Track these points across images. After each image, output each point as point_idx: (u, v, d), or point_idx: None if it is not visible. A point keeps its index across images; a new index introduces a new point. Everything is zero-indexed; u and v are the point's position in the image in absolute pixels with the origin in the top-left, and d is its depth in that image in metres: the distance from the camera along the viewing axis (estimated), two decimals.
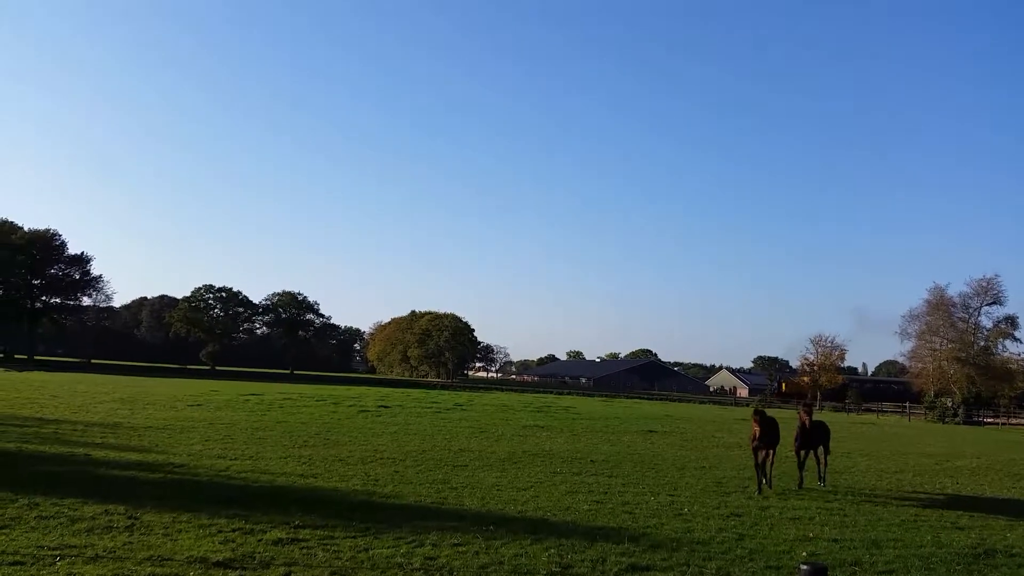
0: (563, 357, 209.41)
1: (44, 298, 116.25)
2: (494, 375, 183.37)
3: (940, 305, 76.48)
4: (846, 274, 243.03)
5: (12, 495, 11.15)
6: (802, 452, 17.12)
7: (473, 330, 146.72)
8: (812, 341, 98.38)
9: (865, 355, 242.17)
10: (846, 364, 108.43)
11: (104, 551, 8.60)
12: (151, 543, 9.09)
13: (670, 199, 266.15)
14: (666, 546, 10.20)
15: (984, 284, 75.23)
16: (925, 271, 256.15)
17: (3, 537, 8.96)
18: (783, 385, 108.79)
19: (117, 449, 17.51)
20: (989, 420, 68.13)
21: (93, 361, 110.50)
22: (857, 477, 19.63)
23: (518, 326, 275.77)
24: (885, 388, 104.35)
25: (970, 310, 76.75)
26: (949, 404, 70.02)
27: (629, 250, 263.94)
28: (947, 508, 15.07)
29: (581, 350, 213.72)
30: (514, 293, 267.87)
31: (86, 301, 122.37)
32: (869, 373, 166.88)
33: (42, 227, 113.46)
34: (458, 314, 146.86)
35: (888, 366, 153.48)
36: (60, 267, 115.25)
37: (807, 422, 16.83)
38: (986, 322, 76.80)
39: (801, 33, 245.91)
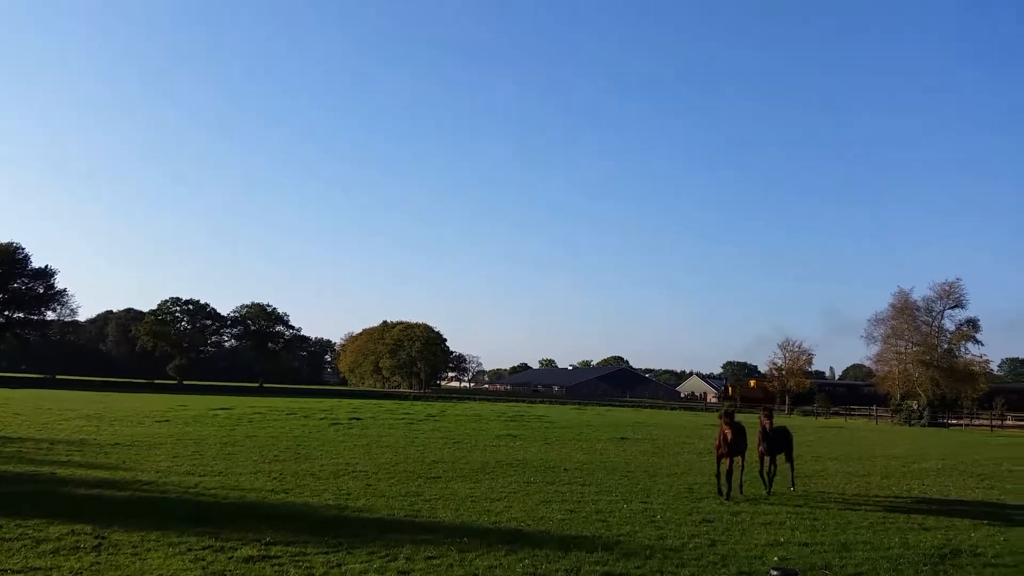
0: (536, 366, 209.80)
1: (7, 313, 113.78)
2: (467, 385, 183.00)
3: (904, 309, 77.81)
4: (816, 279, 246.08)
5: None
6: (766, 458, 16.93)
7: (445, 340, 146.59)
8: (780, 346, 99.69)
9: (832, 359, 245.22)
10: (814, 368, 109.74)
11: (70, 572, 8.45)
12: (119, 563, 8.95)
13: (642, 206, 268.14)
14: (640, 554, 10.26)
15: (947, 288, 76.73)
16: (891, 276, 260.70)
17: None
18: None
19: (84, 467, 17.19)
20: (953, 422, 69.34)
21: (58, 377, 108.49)
22: (827, 480, 19.89)
23: (490, 335, 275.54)
24: (853, 392, 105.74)
25: (933, 313, 78.17)
26: (915, 407, 71.19)
27: (600, 258, 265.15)
28: (914, 510, 15.34)
29: (553, 358, 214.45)
30: (486, 302, 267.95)
31: (50, 315, 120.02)
32: (837, 377, 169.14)
33: (4, 240, 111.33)
34: (430, 324, 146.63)
35: (855, 370, 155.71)
36: (23, 281, 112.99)
37: (768, 427, 16.63)
38: (949, 325, 78.30)
39: (770, 39, 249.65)
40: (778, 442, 17.23)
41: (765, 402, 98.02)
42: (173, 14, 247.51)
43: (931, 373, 73.93)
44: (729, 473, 15.79)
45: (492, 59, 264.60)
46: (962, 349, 78.27)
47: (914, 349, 77.29)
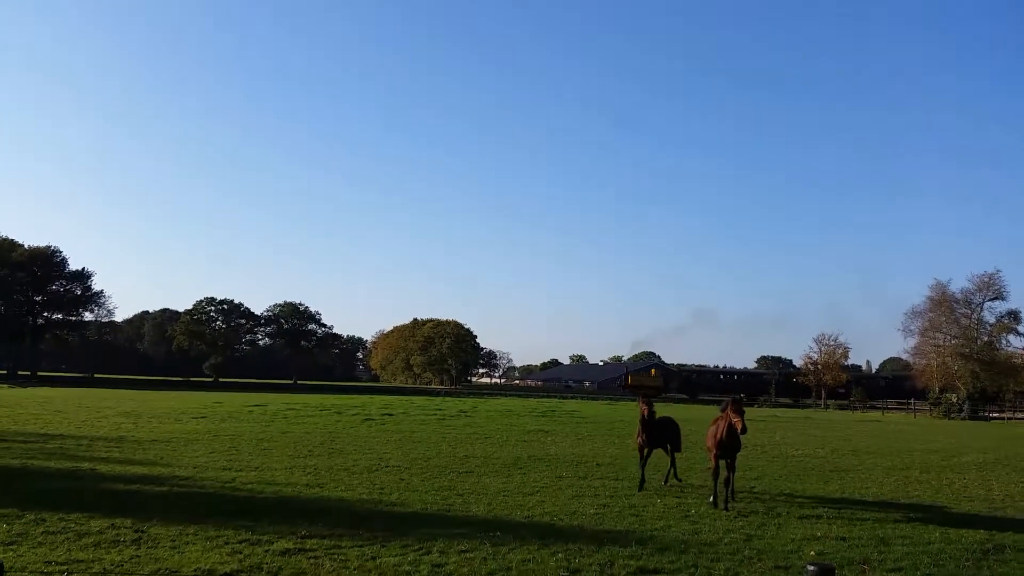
0: (566, 361, 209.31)
1: (46, 314, 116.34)
2: (497, 381, 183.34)
3: (942, 301, 76.32)
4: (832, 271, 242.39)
5: (19, 511, 11.14)
6: (645, 449, 15.87)
7: (475, 336, 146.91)
8: (816, 340, 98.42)
9: (869, 352, 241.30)
10: (850, 362, 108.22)
11: (111, 565, 8.60)
12: (158, 556, 9.09)
13: (670, 203, 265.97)
14: (674, 548, 10.18)
15: (986, 279, 75.11)
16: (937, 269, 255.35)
17: (10, 553, 8.95)
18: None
19: (122, 463, 17.51)
20: (995, 415, 67.92)
21: (96, 376, 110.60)
22: (863, 475, 19.57)
23: (521, 332, 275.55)
24: (890, 385, 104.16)
25: (972, 305, 76.57)
26: (954, 400, 69.88)
27: (628, 253, 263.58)
28: (955, 504, 15.05)
29: (584, 354, 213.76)
30: (516, 298, 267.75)
31: (88, 316, 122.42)
32: (874, 370, 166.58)
33: (43, 244, 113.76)
34: (460, 321, 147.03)
35: (892, 363, 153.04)
36: (61, 283, 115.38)
37: (645, 413, 15.46)
38: (989, 317, 76.69)
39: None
40: (663, 432, 16.02)
41: (660, 392, 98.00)
42: (203, 19, 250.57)
43: (971, 366, 72.47)
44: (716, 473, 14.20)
45: (526, 61, 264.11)
46: (1003, 341, 76.65)
47: (953, 342, 75.82)
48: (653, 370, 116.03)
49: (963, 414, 66.11)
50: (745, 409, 13.91)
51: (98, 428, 26.74)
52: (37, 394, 55.92)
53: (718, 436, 13.91)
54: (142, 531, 10.22)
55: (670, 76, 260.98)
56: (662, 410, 17.88)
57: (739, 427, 13.26)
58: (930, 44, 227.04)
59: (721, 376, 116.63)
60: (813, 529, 11.80)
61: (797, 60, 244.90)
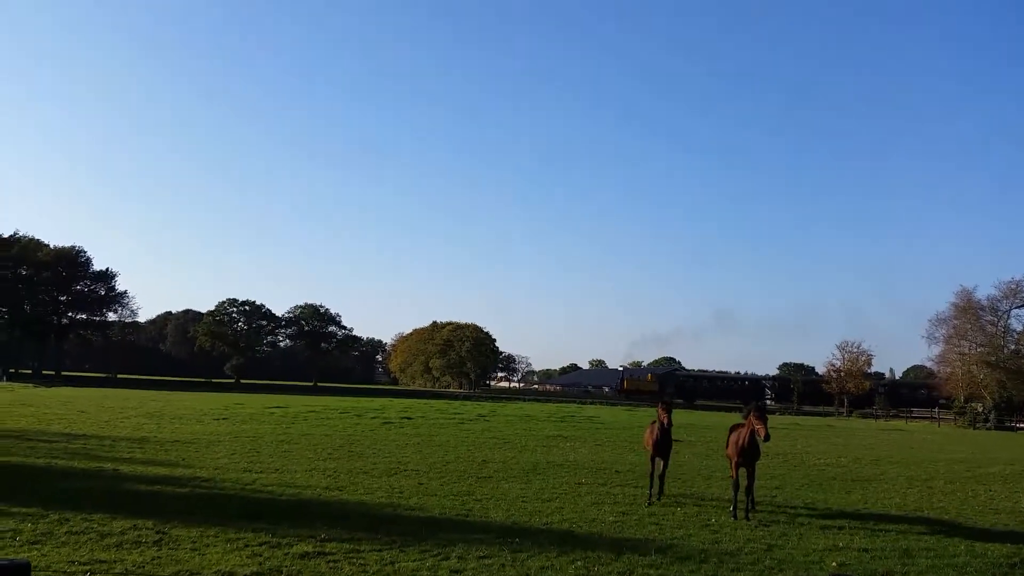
0: (585, 366, 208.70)
1: (70, 314, 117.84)
2: (516, 385, 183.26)
3: (968, 308, 75.30)
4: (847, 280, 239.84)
5: (43, 510, 11.28)
6: (657, 459, 15.14)
7: (494, 340, 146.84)
8: (839, 347, 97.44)
9: (892, 360, 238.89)
10: (873, 370, 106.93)
11: (133, 566, 8.68)
12: (179, 557, 9.15)
13: (689, 208, 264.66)
14: (694, 558, 10.10)
15: (1013, 286, 74.04)
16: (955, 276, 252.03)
17: (35, 552, 9.06)
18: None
19: (144, 464, 17.67)
20: (1021, 425, 66.88)
21: (119, 376, 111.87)
22: (887, 485, 19.32)
23: (540, 335, 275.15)
24: (914, 393, 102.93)
25: (999, 313, 75.54)
26: (980, 409, 68.90)
27: (649, 258, 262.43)
28: (980, 516, 14.82)
29: (603, 358, 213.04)
30: (536, 302, 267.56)
31: (112, 317, 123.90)
32: (897, 378, 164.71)
33: (67, 244, 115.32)
34: (479, 324, 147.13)
35: (916, 371, 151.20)
36: (86, 283, 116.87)
37: (666, 421, 14.64)
38: (1016, 325, 75.63)
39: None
40: (669, 441, 15.26)
41: (658, 396, 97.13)
42: (228, 17, 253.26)
43: (997, 375, 71.38)
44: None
45: (551, 65, 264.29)
46: None
47: (979, 350, 74.76)
48: (650, 375, 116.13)
49: (989, 424, 65.16)
50: (768, 416, 13.78)
51: (121, 428, 27.02)
52: (61, 394, 56.64)
53: (740, 443, 13.74)
54: (163, 532, 10.30)
55: (690, 81, 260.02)
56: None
57: (762, 434, 13.08)
58: (958, 52, 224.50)
59: (718, 382, 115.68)
60: (835, 540, 11.66)
61: (820, 67, 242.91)
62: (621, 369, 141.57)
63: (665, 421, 14.61)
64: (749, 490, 13.76)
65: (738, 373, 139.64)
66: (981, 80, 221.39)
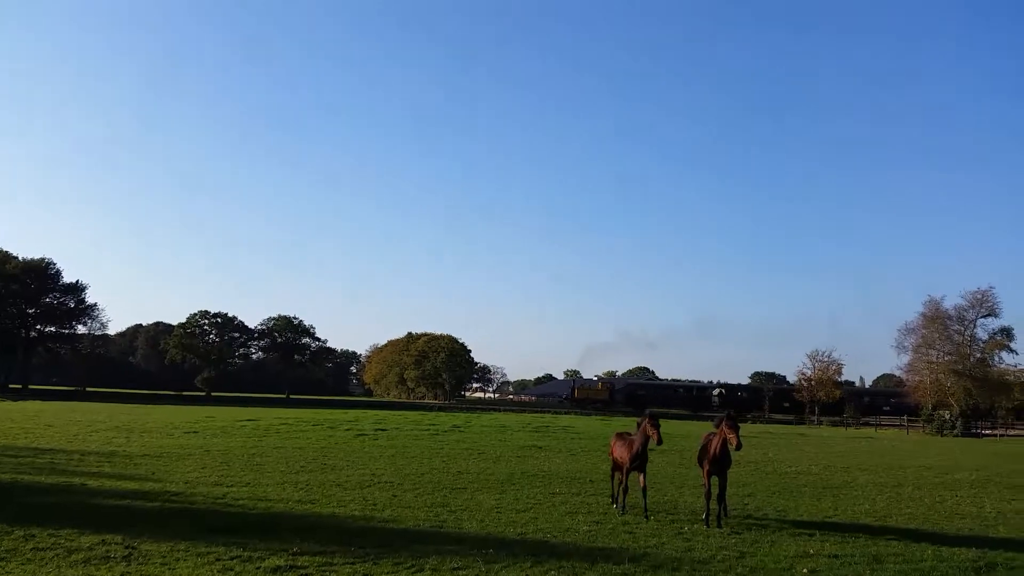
0: (560, 376, 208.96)
1: (39, 327, 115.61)
2: (491, 396, 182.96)
3: (936, 318, 76.56)
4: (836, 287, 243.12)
5: (7, 527, 11.08)
6: (634, 473, 14.46)
7: (470, 351, 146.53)
8: (809, 356, 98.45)
9: (862, 369, 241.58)
10: (843, 378, 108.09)
11: None
12: (149, 573, 9.05)
13: (666, 217, 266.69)
14: (667, 566, 10.17)
15: (979, 296, 75.42)
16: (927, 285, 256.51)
17: None
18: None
19: (113, 478, 17.42)
20: (987, 432, 68.04)
21: (88, 389, 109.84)
22: (856, 492, 19.58)
23: (515, 346, 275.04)
24: (883, 401, 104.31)
25: (965, 322, 76.85)
26: (947, 417, 70.00)
27: (623, 268, 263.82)
28: (947, 521, 15.07)
29: (578, 369, 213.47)
30: (510, 313, 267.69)
31: (81, 329, 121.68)
32: (867, 386, 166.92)
33: (36, 256, 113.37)
34: (454, 335, 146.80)
35: (885, 379, 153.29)
36: (55, 296, 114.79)
37: (655, 438, 13.73)
38: (982, 334, 76.97)
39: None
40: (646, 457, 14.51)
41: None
42: (198, 25, 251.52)
43: (964, 383, 72.62)
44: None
45: (518, 72, 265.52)
46: (996, 358, 76.91)
47: (946, 359, 76.01)
48: (600, 384, 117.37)
49: (956, 431, 66.19)
50: (740, 425, 13.86)
51: (89, 442, 26.60)
52: (28, 408, 55.59)
53: (711, 452, 13.84)
54: (133, 547, 10.16)
55: (673, 90, 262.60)
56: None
57: (734, 444, 13.18)
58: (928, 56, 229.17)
59: (667, 391, 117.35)
60: (806, 546, 11.80)
61: (809, 74, 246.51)
62: (569, 378, 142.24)
63: (734, 442, 13.10)
64: (721, 498, 13.88)
65: (689, 381, 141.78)
66: (972, 84, 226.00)
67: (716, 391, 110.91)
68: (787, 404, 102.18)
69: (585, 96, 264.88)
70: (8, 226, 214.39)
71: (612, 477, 15.79)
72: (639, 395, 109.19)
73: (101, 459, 21.29)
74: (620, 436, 15.36)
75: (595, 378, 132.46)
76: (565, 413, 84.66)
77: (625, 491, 14.57)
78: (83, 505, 13.48)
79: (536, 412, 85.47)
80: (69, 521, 11.66)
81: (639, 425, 14.45)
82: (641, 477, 14.23)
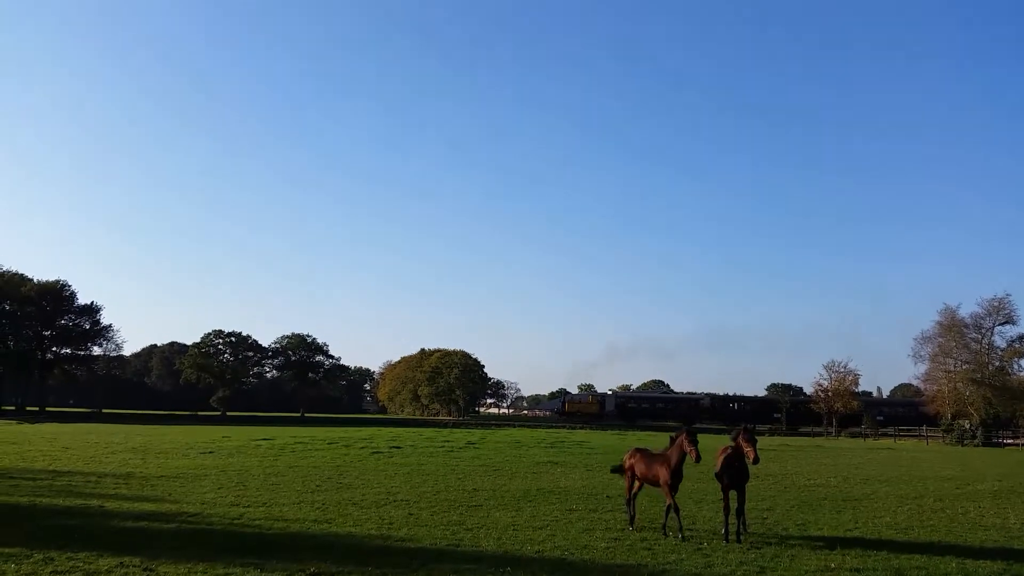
0: (574, 391, 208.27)
1: (55, 349, 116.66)
2: (505, 411, 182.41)
3: (952, 326, 75.83)
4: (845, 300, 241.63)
5: (27, 550, 11.11)
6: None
7: (483, 366, 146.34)
8: (826, 367, 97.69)
9: (880, 379, 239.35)
10: (860, 388, 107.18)
11: None
12: None
13: (680, 232, 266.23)
14: None
15: (996, 304, 74.67)
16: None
17: None
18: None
19: (130, 499, 17.45)
20: (1009, 441, 67.14)
21: (105, 411, 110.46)
22: (877, 504, 19.35)
23: (528, 361, 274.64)
24: (902, 412, 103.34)
25: (982, 330, 76.06)
26: (967, 426, 69.14)
27: (634, 283, 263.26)
28: (970, 533, 14.86)
29: (592, 383, 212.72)
30: (524, 328, 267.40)
31: (96, 351, 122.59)
32: (884, 396, 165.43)
33: (51, 278, 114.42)
34: (467, 351, 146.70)
35: (903, 389, 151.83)
36: (70, 318, 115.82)
37: (695, 455, 13.24)
38: (1000, 342, 76.16)
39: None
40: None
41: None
42: (203, 48, 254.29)
43: (983, 391, 71.77)
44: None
45: (534, 91, 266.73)
46: (1015, 366, 76.08)
47: (964, 367, 75.22)
48: (591, 397, 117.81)
49: (976, 440, 65.37)
50: (757, 439, 13.68)
51: (106, 464, 26.69)
52: (45, 430, 55.88)
53: (729, 466, 13.59)
54: (151, 569, 10.17)
55: (686, 112, 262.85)
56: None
57: (751, 457, 13.00)
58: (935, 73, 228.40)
59: (658, 403, 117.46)
60: (827, 560, 11.66)
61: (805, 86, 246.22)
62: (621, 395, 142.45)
63: (751, 455, 12.94)
64: (740, 512, 13.68)
65: (679, 393, 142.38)
66: (970, 92, 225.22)
67: (707, 402, 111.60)
68: (777, 415, 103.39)
69: (603, 114, 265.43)
70: (23, 249, 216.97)
71: (630, 498, 14.77)
72: (629, 408, 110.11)
73: (118, 481, 21.36)
74: (642, 453, 14.70)
75: (632, 389, 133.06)
76: (580, 428, 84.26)
77: (727, 511, 13.43)
78: (101, 527, 13.51)
79: (550, 427, 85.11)
80: (87, 544, 11.69)
81: (673, 441, 13.86)
82: (671, 495, 13.53)
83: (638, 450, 14.97)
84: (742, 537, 13.39)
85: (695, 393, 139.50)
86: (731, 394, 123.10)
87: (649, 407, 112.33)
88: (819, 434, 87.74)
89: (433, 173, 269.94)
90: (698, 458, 13.26)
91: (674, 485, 13.57)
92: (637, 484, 14.63)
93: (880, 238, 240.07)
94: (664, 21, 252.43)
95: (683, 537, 13.30)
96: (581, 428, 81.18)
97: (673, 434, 14.24)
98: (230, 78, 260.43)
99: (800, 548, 12.77)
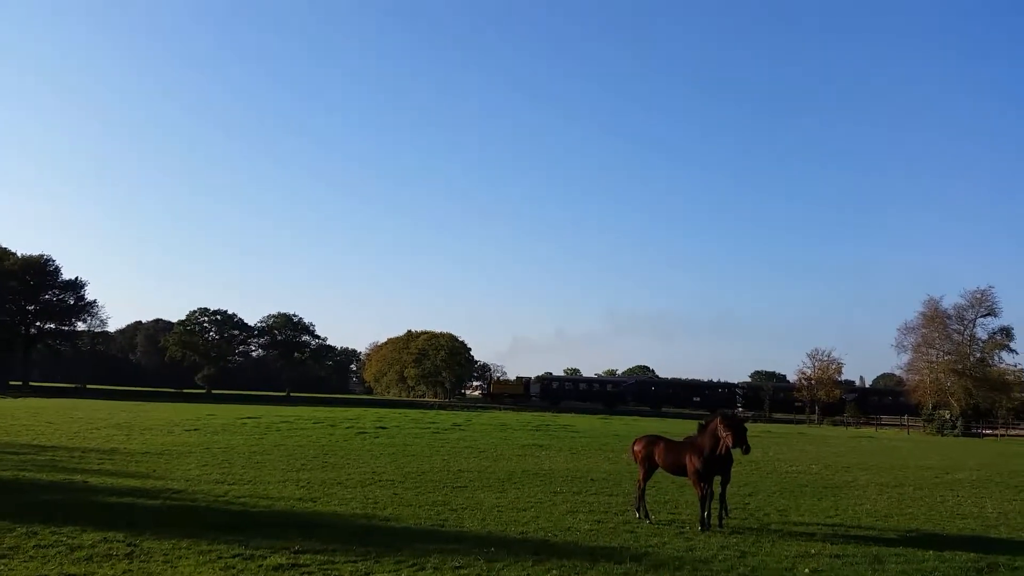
0: (560, 374, 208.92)
1: (39, 324, 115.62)
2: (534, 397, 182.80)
3: (935, 317, 76.61)
4: (836, 288, 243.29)
5: (10, 524, 11.09)
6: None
7: (470, 349, 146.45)
8: (809, 355, 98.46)
9: (862, 368, 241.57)
10: (843, 378, 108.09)
11: None
12: (151, 570, 9.06)
13: (672, 216, 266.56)
14: (668, 565, 10.17)
15: (978, 296, 75.49)
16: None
17: (2, 567, 8.91)
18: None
19: (115, 475, 17.43)
20: (988, 432, 68.05)
21: (89, 387, 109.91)
22: (857, 491, 19.59)
23: (514, 344, 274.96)
24: (884, 401, 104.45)
25: (965, 322, 76.90)
26: (947, 416, 70.01)
27: (623, 267, 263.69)
28: (948, 521, 15.07)
29: (578, 367, 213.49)
30: (510, 310, 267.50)
31: (81, 326, 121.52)
32: (867, 386, 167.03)
33: (35, 253, 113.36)
34: (454, 333, 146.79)
35: (886, 379, 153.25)
36: (54, 293, 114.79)
37: (731, 440, 12.59)
38: (981, 334, 77.03)
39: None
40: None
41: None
42: (193, 23, 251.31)
43: (964, 382, 72.67)
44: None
45: (518, 74, 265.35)
46: (996, 358, 76.97)
47: (946, 358, 76.06)
48: (517, 378, 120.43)
49: (956, 430, 66.21)
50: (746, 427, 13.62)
51: (90, 440, 26.61)
52: (29, 405, 55.59)
53: (713, 452, 13.45)
54: (135, 545, 10.18)
55: (684, 99, 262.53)
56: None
57: (730, 442, 12.56)
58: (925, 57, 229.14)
59: (581, 385, 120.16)
60: (807, 546, 11.81)
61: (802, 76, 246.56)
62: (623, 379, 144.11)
63: (730, 441, 12.51)
64: (722, 497, 13.82)
65: (605, 377, 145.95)
66: (967, 84, 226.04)
67: (632, 389, 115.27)
68: (697, 399, 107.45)
69: (603, 104, 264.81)
70: (6, 223, 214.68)
71: (643, 488, 14.14)
72: (553, 389, 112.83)
73: (102, 456, 21.31)
74: (664, 440, 14.10)
75: (617, 374, 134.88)
76: (565, 412, 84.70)
77: (712, 498, 13.13)
78: (85, 502, 13.49)
79: (535, 411, 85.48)
80: (71, 518, 11.67)
81: (703, 428, 13.27)
82: (702, 485, 12.99)
83: (657, 437, 14.44)
84: (724, 521, 13.49)
85: (621, 377, 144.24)
86: (654, 378, 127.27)
87: (572, 388, 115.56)
88: (801, 422, 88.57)
89: (421, 154, 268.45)
90: (735, 444, 12.47)
91: (705, 474, 12.97)
92: (642, 472, 14.05)
93: (868, 226, 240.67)
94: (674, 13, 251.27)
95: (722, 526, 13.08)
96: (505, 409, 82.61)
97: (703, 420, 13.75)
98: (214, 53, 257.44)
99: (781, 534, 12.92)
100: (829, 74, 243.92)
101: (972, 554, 11.63)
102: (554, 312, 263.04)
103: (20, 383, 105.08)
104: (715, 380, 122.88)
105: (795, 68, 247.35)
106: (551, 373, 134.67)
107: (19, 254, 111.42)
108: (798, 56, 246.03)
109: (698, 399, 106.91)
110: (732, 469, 14.10)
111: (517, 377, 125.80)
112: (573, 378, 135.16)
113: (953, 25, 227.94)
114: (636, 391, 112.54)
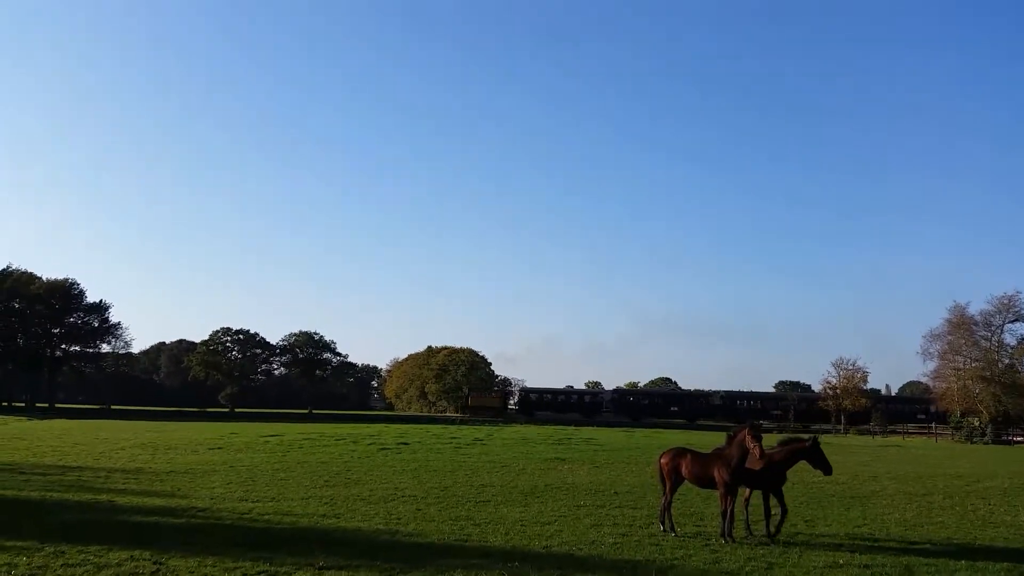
0: (582, 387, 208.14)
1: (64, 346, 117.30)
2: (513, 408, 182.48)
3: (961, 324, 75.60)
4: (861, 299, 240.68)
5: (38, 544, 11.19)
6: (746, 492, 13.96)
7: (490, 363, 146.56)
8: (834, 364, 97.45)
9: (888, 376, 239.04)
10: (869, 386, 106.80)
11: None
12: None
13: (692, 225, 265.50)
14: None
15: (1006, 301, 74.48)
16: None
17: None
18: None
19: (140, 495, 17.55)
20: (1019, 439, 66.88)
21: (114, 407, 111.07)
22: (886, 501, 19.30)
23: (535, 357, 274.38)
24: (910, 409, 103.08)
25: (992, 328, 75.88)
26: (977, 424, 68.91)
27: (643, 279, 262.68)
28: (980, 531, 14.81)
29: (600, 380, 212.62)
30: (531, 325, 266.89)
31: (105, 348, 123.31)
32: (893, 394, 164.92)
33: (60, 276, 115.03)
34: (474, 348, 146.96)
35: (912, 387, 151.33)
36: (79, 315, 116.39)
37: (759, 451, 12.58)
38: (1010, 339, 75.97)
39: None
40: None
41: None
42: (214, 39, 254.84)
43: (993, 389, 71.52)
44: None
45: (552, 88, 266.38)
46: None
47: (973, 365, 74.97)
48: (495, 392, 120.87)
49: (986, 438, 65.12)
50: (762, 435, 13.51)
51: (116, 460, 26.83)
52: (55, 426, 56.19)
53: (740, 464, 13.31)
54: (161, 563, 10.23)
55: (688, 102, 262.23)
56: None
57: (757, 453, 12.59)
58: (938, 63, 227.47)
59: (561, 395, 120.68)
60: (836, 557, 11.64)
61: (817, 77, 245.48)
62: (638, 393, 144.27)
63: (756, 452, 12.55)
64: (774, 509, 13.43)
65: (585, 388, 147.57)
66: (973, 84, 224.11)
67: (609, 396, 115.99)
68: (675, 408, 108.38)
69: (623, 112, 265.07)
70: (32, 247, 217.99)
71: (669, 500, 13.92)
72: (531, 400, 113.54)
73: (127, 476, 21.47)
74: (692, 453, 13.92)
75: (639, 387, 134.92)
76: (587, 425, 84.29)
77: (734, 511, 13.18)
78: (111, 522, 13.59)
79: (558, 424, 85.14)
80: (98, 538, 11.77)
81: (731, 438, 13.15)
82: (729, 498, 12.94)
83: (684, 450, 14.23)
84: (775, 538, 13.02)
85: (601, 388, 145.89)
86: (638, 388, 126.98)
87: (551, 399, 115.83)
88: (827, 431, 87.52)
89: (443, 171, 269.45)
90: (762, 454, 12.59)
91: (732, 487, 12.92)
92: (668, 485, 13.80)
93: (888, 232, 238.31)
94: (679, 14, 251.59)
95: (749, 534, 13.20)
96: (483, 423, 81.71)
97: (731, 432, 13.56)
98: (241, 73, 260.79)
99: (809, 544, 12.76)
100: (863, 82, 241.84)
101: (1006, 563, 11.41)
102: (581, 322, 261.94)
103: (46, 405, 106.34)
104: (693, 390, 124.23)
105: (817, 75, 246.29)
106: (527, 385, 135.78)
107: (44, 278, 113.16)
108: (820, 59, 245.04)
109: (675, 408, 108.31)
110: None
111: (495, 391, 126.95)
112: (551, 389, 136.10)
113: (971, 27, 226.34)
114: (614, 402, 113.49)
